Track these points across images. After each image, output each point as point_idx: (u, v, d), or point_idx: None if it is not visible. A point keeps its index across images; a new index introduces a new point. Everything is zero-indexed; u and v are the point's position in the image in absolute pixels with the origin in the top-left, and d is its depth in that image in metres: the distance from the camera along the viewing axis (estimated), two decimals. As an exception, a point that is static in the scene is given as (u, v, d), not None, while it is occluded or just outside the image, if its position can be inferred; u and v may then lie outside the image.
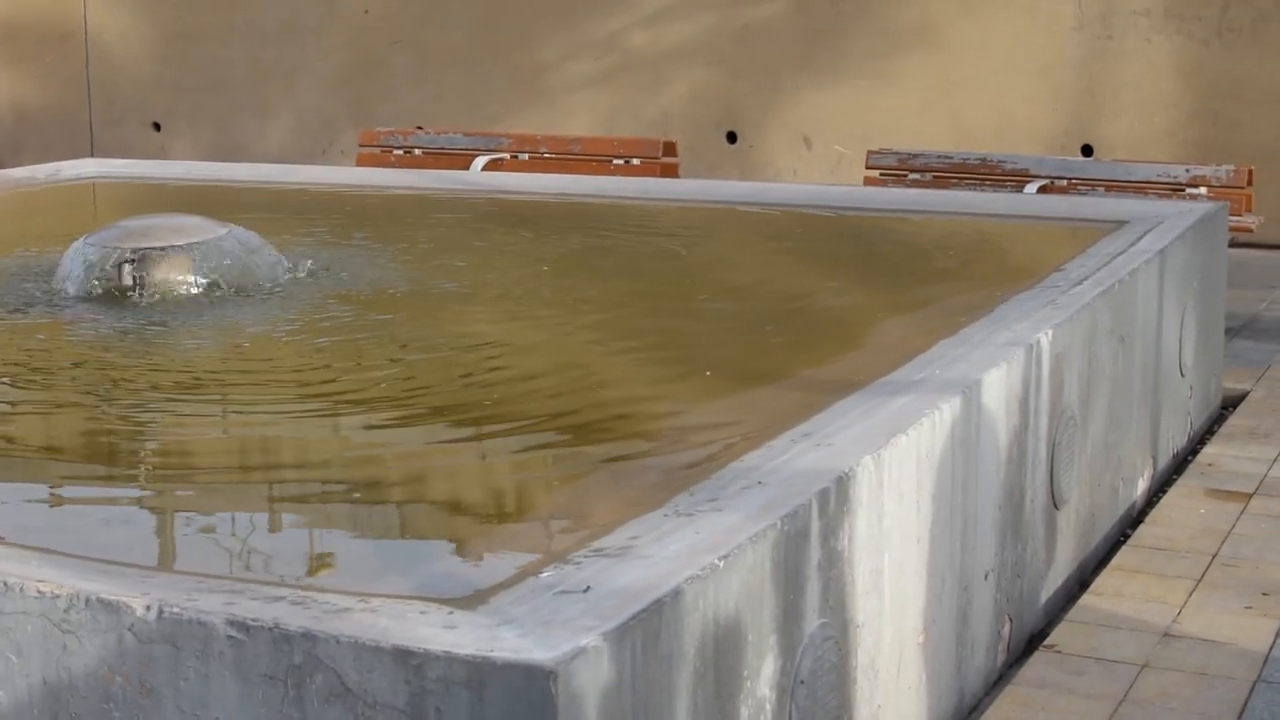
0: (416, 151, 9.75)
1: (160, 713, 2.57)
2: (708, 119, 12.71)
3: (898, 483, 3.49)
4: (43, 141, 15.23)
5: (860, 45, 12.17)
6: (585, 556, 2.77)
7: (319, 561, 3.15)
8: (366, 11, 13.81)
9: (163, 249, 5.38)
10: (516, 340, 5.02)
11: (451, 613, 2.52)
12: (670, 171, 9.31)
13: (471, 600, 2.61)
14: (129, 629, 2.56)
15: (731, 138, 12.65)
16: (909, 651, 3.67)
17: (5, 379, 4.70)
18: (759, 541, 2.88)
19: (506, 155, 9.41)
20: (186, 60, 14.73)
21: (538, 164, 9.36)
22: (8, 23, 15.50)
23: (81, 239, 5.56)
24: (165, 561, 3.12)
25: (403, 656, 2.37)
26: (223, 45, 14.50)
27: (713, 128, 12.69)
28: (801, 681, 3.06)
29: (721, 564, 2.74)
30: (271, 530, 3.39)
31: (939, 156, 8.90)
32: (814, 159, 12.41)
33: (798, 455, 3.38)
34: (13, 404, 4.47)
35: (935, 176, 8.77)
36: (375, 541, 3.31)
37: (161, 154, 13.95)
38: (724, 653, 2.79)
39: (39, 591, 2.65)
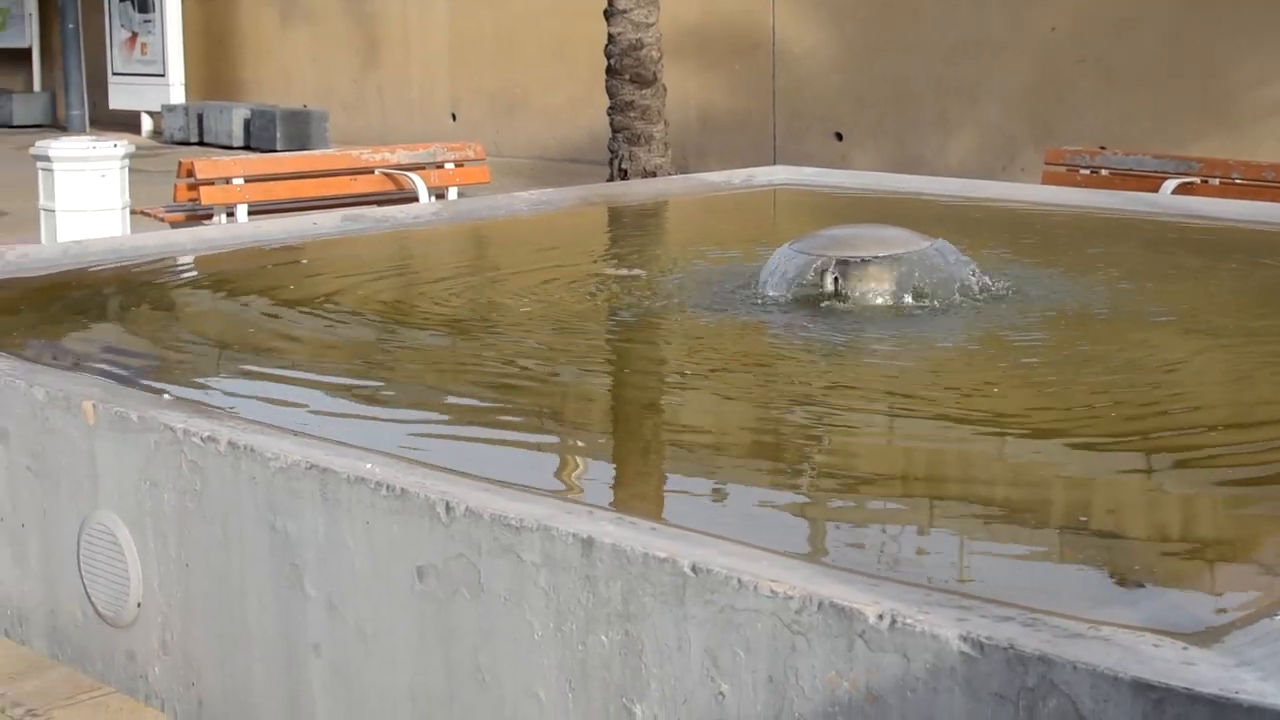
0: (1103, 172, 9.61)
1: (885, 721, 2.60)
2: None
3: None
4: (727, 147, 15.67)
5: None
6: (1321, 602, 2.69)
7: (1035, 582, 3.13)
8: (1054, 29, 13.70)
9: (867, 259, 5.45)
10: (1214, 370, 4.90)
11: (1187, 648, 2.46)
12: (1371, 202, 8.92)
13: (1205, 637, 2.55)
14: (860, 635, 2.60)
15: None
16: None
17: (708, 377, 4.85)
18: None
19: (1197, 179, 9.18)
20: (871, 73, 14.92)
21: (1229, 189, 9.10)
22: (700, 31, 15.99)
23: (787, 244, 5.69)
24: (886, 569, 3.15)
25: (1142, 690, 2.32)
26: (907, 60, 14.62)
27: None
28: None
29: None
30: (987, 548, 3.39)
31: None
32: None
33: None
34: (716, 402, 4.61)
35: None
36: (1096, 569, 3.26)
37: (843, 164, 14.14)
38: None
39: (772, 591, 2.72)
